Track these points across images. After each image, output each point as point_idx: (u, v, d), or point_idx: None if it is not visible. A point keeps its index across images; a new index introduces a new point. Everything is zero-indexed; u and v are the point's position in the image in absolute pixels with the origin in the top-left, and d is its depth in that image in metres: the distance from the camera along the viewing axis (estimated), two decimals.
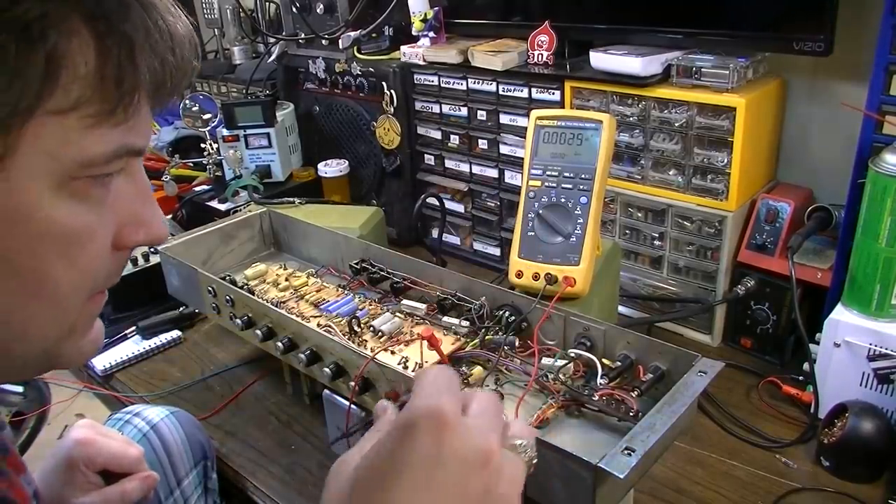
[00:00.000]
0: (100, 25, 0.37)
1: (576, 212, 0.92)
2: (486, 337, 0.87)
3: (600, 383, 0.76)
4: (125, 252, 0.45)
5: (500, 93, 1.28)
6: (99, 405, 1.19)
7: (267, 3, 1.87)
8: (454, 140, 1.39)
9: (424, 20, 1.39)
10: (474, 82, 1.31)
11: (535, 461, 0.43)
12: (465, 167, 1.40)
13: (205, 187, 1.61)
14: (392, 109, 1.44)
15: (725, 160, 1.04)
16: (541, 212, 0.94)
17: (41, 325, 0.41)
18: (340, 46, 1.47)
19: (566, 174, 0.94)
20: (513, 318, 0.87)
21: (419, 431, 0.36)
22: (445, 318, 0.93)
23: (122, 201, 0.43)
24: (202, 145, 1.55)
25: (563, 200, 0.94)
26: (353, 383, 0.79)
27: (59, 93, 0.36)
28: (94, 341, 0.46)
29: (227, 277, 1.08)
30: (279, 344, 0.90)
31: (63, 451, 0.73)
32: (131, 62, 0.38)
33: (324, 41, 1.52)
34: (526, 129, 0.99)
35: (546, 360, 0.81)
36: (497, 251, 1.40)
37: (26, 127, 0.36)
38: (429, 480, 0.35)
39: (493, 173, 1.35)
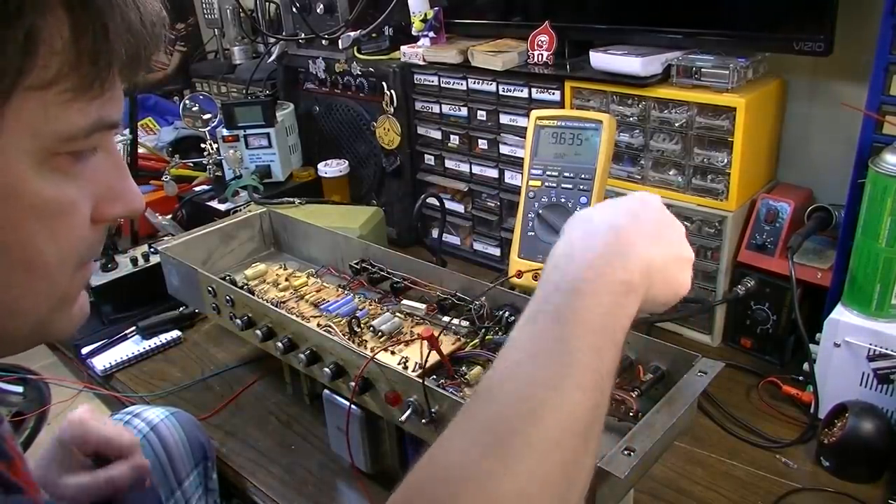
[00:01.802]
0: (73, 1, 0.37)
1: (576, 212, 0.92)
2: (487, 337, 0.87)
3: None
4: (103, 224, 0.46)
5: (500, 93, 1.28)
6: (99, 405, 1.19)
7: (267, 3, 1.87)
8: (454, 140, 1.39)
9: (424, 20, 1.39)
10: (474, 82, 1.31)
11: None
12: (465, 167, 1.40)
13: (205, 187, 1.61)
14: (392, 109, 1.44)
15: (725, 160, 1.04)
16: (541, 212, 0.94)
17: (33, 298, 0.42)
18: (340, 46, 1.47)
19: (566, 174, 0.94)
20: (513, 318, 0.87)
21: (631, 194, 0.58)
22: (445, 318, 0.93)
23: (99, 175, 0.44)
24: (202, 145, 1.55)
25: (563, 200, 0.94)
26: (353, 383, 0.79)
27: (37, 69, 0.37)
28: (81, 309, 0.48)
29: (227, 277, 1.08)
30: (279, 344, 0.90)
31: (57, 431, 0.74)
32: (105, 36, 0.38)
33: (324, 41, 1.52)
34: (526, 129, 0.99)
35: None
36: (497, 251, 1.40)
37: (9, 104, 0.37)
38: (642, 204, 0.56)
39: (493, 173, 1.35)
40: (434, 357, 0.82)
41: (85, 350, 1.22)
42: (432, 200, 1.33)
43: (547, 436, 0.41)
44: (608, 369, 0.46)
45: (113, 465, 0.75)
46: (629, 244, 0.51)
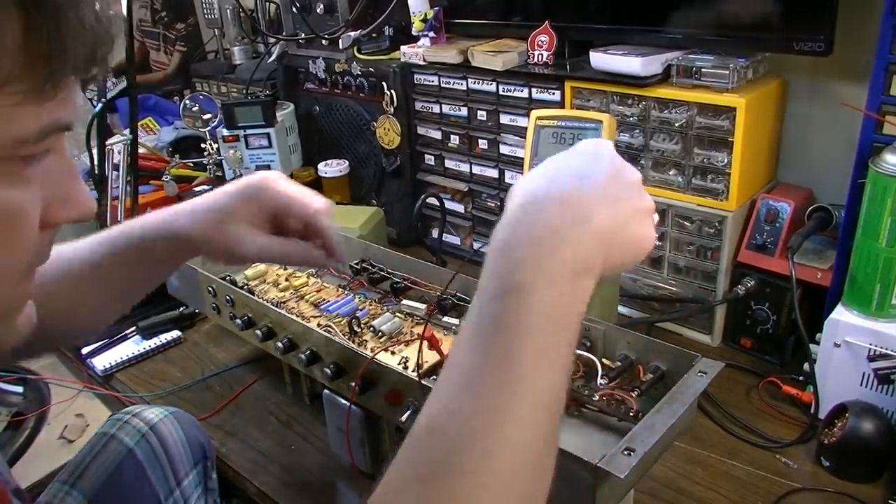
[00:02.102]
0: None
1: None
2: None
3: (600, 383, 0.76)
4: (52, 230, 0.45)
5: (500, 93, 1.28)
6: (99, 405, 1.20)
7: (267, 3, 1.87)
8: (454, 140, 1.39)
9: (424, 20, 1.39)
10: (474, 82, 1.31)
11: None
12: (465, 167, 1.40)
13: (205, 187, 1.61)
14: (392, 109, 1.44)
15: (725, 160, 1.04)
16: None
17: None
18: (340, 46, 1.47)
19: None
20: None
21: (582, 143, 0.51)
22: (445, 319, 0.93)
23: (50, 178, 0.42)
24: (202, 145, 1.55)
25: None
26: (353, 383, 0.79)
27: None
28: (28, 319, 0.46)
29: (227, 277, 1.08)
30: (279, 344, 0.90)
31: (243, 182, 0.71)
32: (59, 35, 0.36)
33: (324, 41, 1.52)
34: (526, 129, 0.99)
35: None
36: None
37: None
38: (594, 160, 0.49)
39: (494, 173, 1.35)
40: (434, 357, 0.82)
41: (85, 350, 1.22)
42: (432, 200, 1.33)
43: (499, 470, 0.39)
44: (563, 366, 0.43)
45: (313, 243, 0.74)
46: (578, 216, 0.45)
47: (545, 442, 0.42)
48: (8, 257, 0.40)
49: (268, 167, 1.57)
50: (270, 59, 1.73)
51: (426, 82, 1.39)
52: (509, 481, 0.39)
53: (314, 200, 0.73)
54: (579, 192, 0.46)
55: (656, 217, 0.54)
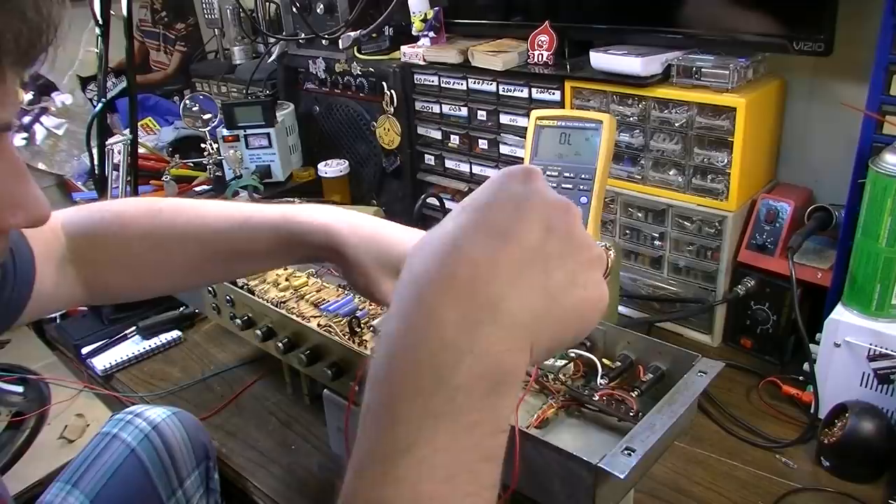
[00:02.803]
0: None
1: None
2: None
3: (600, 383, 0.76)
4: (4, 235, 0.43)
5: (500, 93, 1.28)
6: (99, 405, 1.19)
7: (267, 3, 1.87)
8: (454, 140, 1.39)
9: (424, 20, 1.39)
10: (474, 82, 1.31)
11: (611, 261, 0.44)
12: (465, 167, 1.40)
13: (205, 187, 1.61)
14: (392, 109, 1.44)
15: (725, 160, 1.04)
16: None
17: None
18: (340, 46, 1.47)
19: (566, 174, 0.94)
20: None
21: (507, 176, 0.37)
22: None
23: None
24: (202, 145, 1.55)
25: None
26: (353, 383, 0.79)
27: None
28: None
29: None
30: (279, 344, 0.90)
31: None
32: None
33: (324, 41, 1.52)
34: (526, 129, 0.99)
35: (546, 360, 0.81)
36: None
37: None
38: (518, 211, 0.35)
39: (493, 173, 1.34)
40: None
41: (85, 350, 1.22)
42: (432, 200, 1.33)
43: None
44: None
45: None
46: (484, 304, 0.32)
47: None
48: None
49: (268, 167, 1.57)
50: (270, 59, 1.73)
51: (426, 82, 1.39)
52: None
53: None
54: (486, 266, 0.33)
55: (611, 257, 0.43)
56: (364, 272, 0.66)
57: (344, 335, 0.89)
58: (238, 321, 0.96)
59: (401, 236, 0.68)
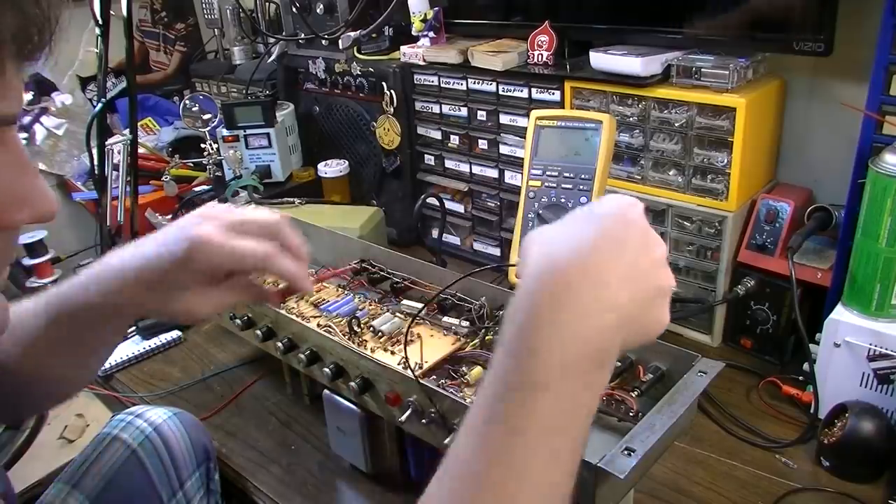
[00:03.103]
0: None
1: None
2: (487, 337, 0.87)
3: None
4: (11, 232, 0.42)
5: (500, 93, 1.28)
6: (99, 405, 1.20)
7: (267, 3, 1.87)
8: (454, 140, 1.39)
9: (424, 20, 1.39)
10: (474, 82, 1.31)
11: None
12: (465, 167, 1.40)
13: (205, 187, 1.61)
14: (392, 109, 1.44)
15: (725, 160, 1.04)
16: (541, 212, 0.94)
17: None
18: (340, 46, 1.47)
19: (566, 174, 0.94)
20: None
21: (617, 199, 0.46)
22: (445, 318, 0.93)
23: (0, 175, 0.40)
24: (202, 145, 1.55)
25: (563, 200, 0.94)
26: (352, 383, 0.79)
27: None
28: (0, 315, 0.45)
29: None
30: (279, 344, 0.90)
31: (172, 238, 0.60)
32: None
33: (324, 41, 1.52)
34: (526, 129, 0.99)
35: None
36: (497, 251, 1.40)
37: None
38: (627, 229, 0.44)
39: (493, 173, 1.35)
40: (434, 357, 0.82)
41: None
42: (432, 200, 1.33)
43: None
44: (571, 466, 0.41)
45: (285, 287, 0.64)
46: (606, 297, 0.41)
47: None
48: None
49: (268, 167, 1.57)
50: (270, 59, 1.73)
51: (426, 82, 1.39)
52: None
53: (256, 250, 0.60)
54: (607, 266, 0.42)
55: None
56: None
57: (344, 335, 0.89)
58: (238, 321, 0.97)
59: None
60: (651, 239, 0.45)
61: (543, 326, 0.40)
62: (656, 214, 1.13)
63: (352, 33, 1.46)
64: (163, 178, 1.55)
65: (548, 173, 0.95)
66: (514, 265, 0.95)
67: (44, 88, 1.87)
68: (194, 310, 0.61)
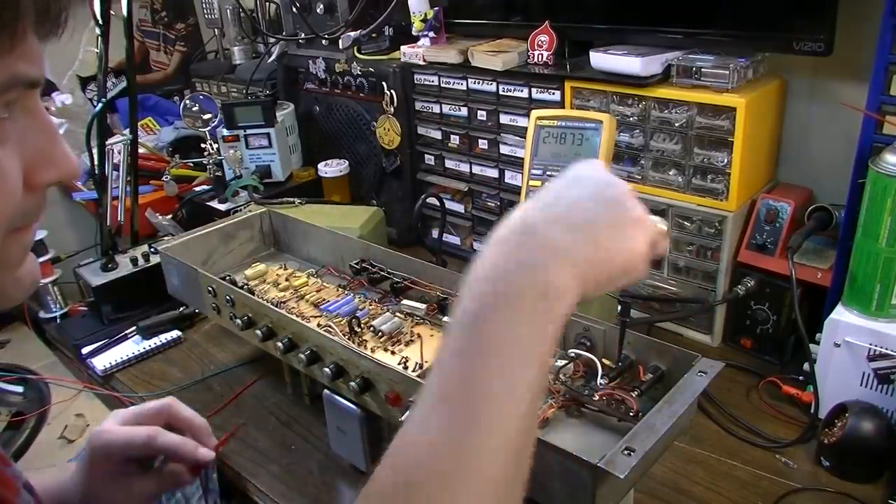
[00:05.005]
0: None
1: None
2: None
3: (600, 383, 0.76)
4: (39, 191, 0.45)
5: (500, 93, 1.28)
6: (99, 405, 1.19)
7: (267, 3, 1.87)
8: (454, 140, 1.39)
9: (424, 20, 1.39)
10: (474, 82, 1.31)
11: (666, 242, 0.56)
12: (465, 167, 1.40)
13: (205, 187, 1.61)
14: (392, 109, 1.44)
15: (725, 160, 1.04)
16: None
17: None
18: (340, 46, 1.47)
19: None
20: None
21: (584, 168, 0.52)
22: (445, 319, 0.93)
23: (27, 139, 0.42)
24: (202, 145, 1.55)
25: None
26: (352, 383, 0.79)
27: None
28: (31, 273, 0.47)
29: (227, 277, 1.08)
30: (279, 344, 0.90)
31: (83, 453, 0.75)
32: None
33: (324, 41, 1.52)
34: (526, 129, 0.99)
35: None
36: None
37: None
38: (574, 186, 0.50)
39: (494, 173, 1.35)
40: (433, 356, 0.82)
41: (85, 350, 1.22)
42: (432, 200, 1.33)
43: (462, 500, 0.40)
44: (532, 391, 0.43)
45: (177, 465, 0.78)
46: (547, 239, 0.46)
47: (507, 479, 0.41)
48: None
49: (268, 167, 1.57)
50: (270, 59, 1.73)
51: (426, 82, 1.39)
52: None
53: (140, 432, 0.76)
54: (552, 216, 0.47)
55: (661, 226, 0.54)
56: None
57: (344, 335, 0.89)
58: (238, 321, 0.97)
59: None
60: (607, 182, 0.51)
61: (482, 280, 0.45)
62: (656, 214, 1.13)
63: (352, 33, 1.46)
64: (163, 178, 1.55)
65: (548, 173, 0.95)
66: None
67: (44, 88, 1.87)
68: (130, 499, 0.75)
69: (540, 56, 1.22)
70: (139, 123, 1.76)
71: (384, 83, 1.43)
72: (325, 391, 0.88)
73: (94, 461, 0.74)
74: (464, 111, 1.36)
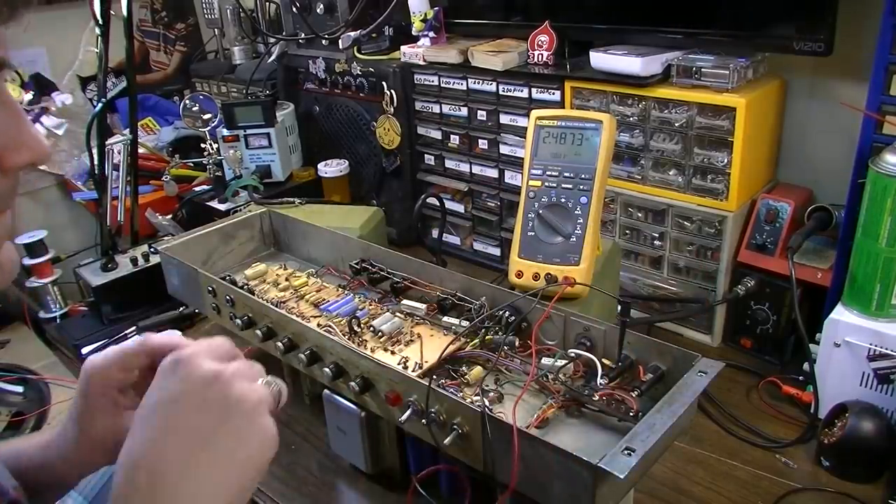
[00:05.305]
0: None
1: (576, 212, 0.92)
2: (486, 337, 0.87)
3: (600, 383, 0.76)
4: (11, 175, 0.44)
5: (500, 93, 1.28)
6: None
7: (267, 3, 1.87)
8: (454, 140, 1.39)
9: (424, 20, 1.39)
10: (474, 82, 1.31)
11: (283, 393, 0.56)
12: (465, 167, 1.40)
13: (205, 187, 1.61)
14: (392, 109, 1.44)
15: (725, 160, 1.04)
16: (541, 212, 0.94)
17: None
18: (340, 46, 1.47)
19: (566, 174, 0.94)
20: (513, 318, 0.87)
21: (160, 375, 0.49)
22: (445, 318, 0.93)
23: None
24: (202, 145, 1.55)
25: (563, 200, 0.94)
26: (352, 383, 0.79)
27: None
28: (9, 260, 0.47)
29: (227, 277, 1.08)
30: (279, 344, 0.90)
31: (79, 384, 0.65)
32: None
33: (324, 41, 1.52)
34: (526, 129, 0.99)
35: (546, 360, 0.81)
36: (497, 251, 1.40)
37: None
38: (174, 405, 0.47)
39: (493, 173, 1.35)
40: (434, 357, 0.82)
41: (85, 350, 1.22)
42: (432, 200, 1.33)
43: None
44: None
45: None
46: (167, 497, 0.44)
47: None
48: None
49: (268, 167, 1.57)
50: (270, 59, 1.73)
51: (426, 82, 1.39)
52: None
53: (130, 344, 0.65)
54: (159, 465, 0.45)
55: (275, 385, 0.54)
56: None
57: (344, 335, 0.89)
58: (238, 321, 0.96)
59: None
60: (203, 387, 0.48)
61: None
62: (656, 214, 1.14)
63: (352, 33, 1.46)
64: (163, 178, 1.55)
65: (548, 173, 0.95)
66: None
67: (44, 88, 1.87)
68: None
69: (540, 56, 1.22)
70: (139, 123, 1.76)
71: (384, 83, 1.43)
72: (325, 391, 0.88)
73: (93, 387, 0.64)
74: (464, 111, 1.36)
